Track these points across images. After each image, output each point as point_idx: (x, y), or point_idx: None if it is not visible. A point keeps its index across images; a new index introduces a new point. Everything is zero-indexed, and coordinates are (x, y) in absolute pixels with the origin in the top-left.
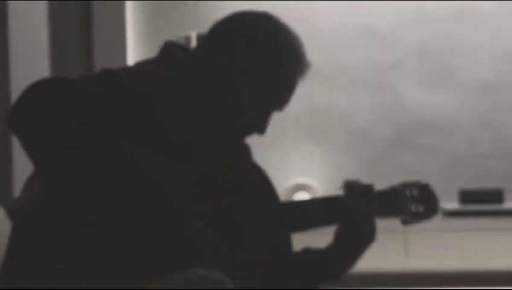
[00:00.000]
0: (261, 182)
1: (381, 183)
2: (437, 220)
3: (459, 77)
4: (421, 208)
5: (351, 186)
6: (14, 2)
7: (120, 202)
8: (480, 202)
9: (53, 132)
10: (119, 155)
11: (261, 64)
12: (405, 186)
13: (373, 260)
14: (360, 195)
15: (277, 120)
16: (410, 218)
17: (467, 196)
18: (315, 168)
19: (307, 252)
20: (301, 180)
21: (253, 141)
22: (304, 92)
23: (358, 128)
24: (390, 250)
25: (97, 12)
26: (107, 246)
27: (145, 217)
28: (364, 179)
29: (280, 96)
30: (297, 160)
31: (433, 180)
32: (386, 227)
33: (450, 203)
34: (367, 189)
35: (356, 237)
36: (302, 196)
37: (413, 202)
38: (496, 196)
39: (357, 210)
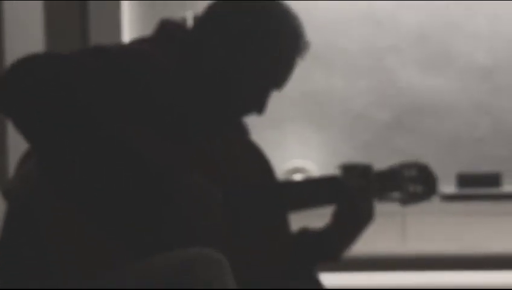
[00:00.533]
0: (259, 161)
1: (378, 167)
2: (434, 204)
3: (458, 61)
4: (419, 189)
5: (349, 168)
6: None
7: (115, 179)
8: (478, 185)
9: (47, 108)
10: (115, 131)
11: (260, 43)
12: (403, 166)
13: (370, 244)
14: (358, 175)
15: (275, 102)
16: (409, 198)
17: (464, 180)
18: (312, 151)
19: (305, 232)
20: (298, 162)
21: (250, 123)
22: (302, 75)
23: (356, 111)
24: (387, 234)
25: None
26: (104, 223)
27: (141, 194)
28: (361, 162)
29: (279, 75)
30: (294, 142)
31: (431, 164)
32: (384, 211)
33: (447, 186)
34: (365, 169)
35: (354, 217)
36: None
37: (412, 183)
38: (493, 179)
39: (355, 190)
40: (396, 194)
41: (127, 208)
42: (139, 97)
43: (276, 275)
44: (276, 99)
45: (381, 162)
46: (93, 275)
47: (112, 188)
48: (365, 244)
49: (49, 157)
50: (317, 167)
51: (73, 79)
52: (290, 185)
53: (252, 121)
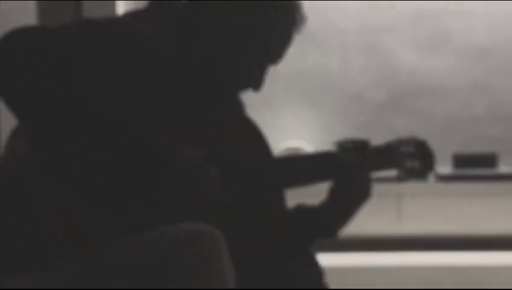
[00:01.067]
0: (255, 137)
1: None
2: (430, 184)
3: (455, 42)
4: (416, 165)
5: (345, 144)
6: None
7: (112, 153)
8: (474, 166)
9: (41, 81)
10: (112, 106)
11: (256, 16)
12: (401, 142)
13: (365, 224)
14: (355, 151)
15: (269, 82)
16: (406, 175)
17: (460, 160)
18: (308, 131)
19: (301, 208)
20: (293, 142)
21: (245, 102)
22: (298, 55)
23: (352, 91)
24: (382, 214)
25: None
26: (98, 198)
27: (139, 167)
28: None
29: (275, 50)
30: (290, 123)
31: None
32: (379, 191)
33: (443, 167)
34: (362, 145)
35: (351, 193)
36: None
37: (409, 159)
38: (489, 160)
39: (352, 166)
40: (393, 171)
41: (123, 183)
42: (135, 72)
43: (273, 253)
44: (271, 79)
45: (377, 142)
46: (87, 252)
47: (108, 162)
48: (360, 224)
49: (41, 133)
50: (312, 147)
51: (69, 52)
52: (286, 161)
53: (247, 101)
